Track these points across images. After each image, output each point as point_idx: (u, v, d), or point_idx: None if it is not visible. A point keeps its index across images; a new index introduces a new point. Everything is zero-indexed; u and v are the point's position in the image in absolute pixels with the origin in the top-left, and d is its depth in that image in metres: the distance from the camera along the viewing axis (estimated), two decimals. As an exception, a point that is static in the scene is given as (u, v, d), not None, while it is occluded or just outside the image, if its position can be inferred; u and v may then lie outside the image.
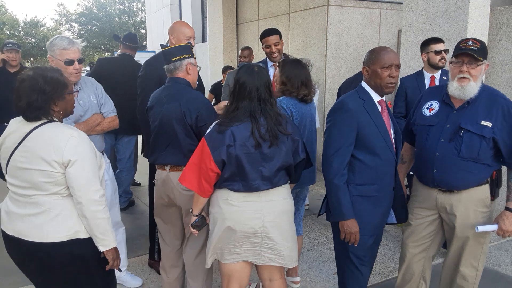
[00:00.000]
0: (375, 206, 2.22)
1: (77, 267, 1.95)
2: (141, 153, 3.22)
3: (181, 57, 2.48)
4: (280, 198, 2.17)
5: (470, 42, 2.14)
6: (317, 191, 5.37)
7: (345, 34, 6.26)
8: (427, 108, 2.34)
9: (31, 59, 29.14)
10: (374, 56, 2.15)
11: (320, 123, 4.97)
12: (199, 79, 3.40)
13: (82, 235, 1.92)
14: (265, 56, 3.67)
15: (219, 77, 6.83)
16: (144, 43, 23.61)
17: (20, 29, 30.42)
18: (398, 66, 2.13)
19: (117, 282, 2.30)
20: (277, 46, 3.50)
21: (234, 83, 2.14)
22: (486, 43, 3.96)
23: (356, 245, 2.19)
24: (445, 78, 3.41)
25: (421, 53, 3.54)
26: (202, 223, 2.27)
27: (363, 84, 2.24)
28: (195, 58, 2.62)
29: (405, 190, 2.63)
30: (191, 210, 2.27)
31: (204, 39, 11.94)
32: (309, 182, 2.88)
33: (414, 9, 4.22)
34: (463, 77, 2.16)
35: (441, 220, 2.41)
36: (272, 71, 3.49)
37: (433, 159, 2.26)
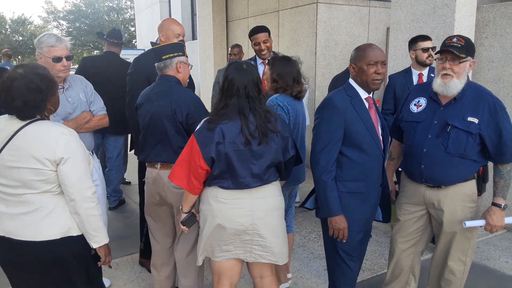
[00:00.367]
0: (363, 202, 2.24)
1: (70, 264, 1.95)
2: (131, 151, 3.21)
3: (171, 55, 2.48)
4: (270, 195, 2.18)
5: (455, 39, 2.17)
6: (307, 188, 5.40)
7: (335, 32, 6.29)
8: (415, 104, 2.37)
9: (19, 57, 28.75)
10: (360, 53, 2.17)
11: (310, 120, 4.99)
12: (189, 77, 3.39)
13: (75, 232, 1.93)
14: (255, 54, 3.67)
15: (210, 75, 6.83)
16: (134, 41, 23.45)
17: (7, 26, 29.97)
18: (383, 63, 2.15)
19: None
20: (266, 44, 3.50)
21: (223, 80, 2.15)
22: (473, 41, 4.01)
23: (344, 241, 2.22)
24: (432, 75, 3.44)
25: (409, 51, 3.57)
26: (192, 220, 2.27)
27: (351, 81, 2.25)
28: (187, 56, 2.61)
29: (394, 187, 2.66)
30: (181, 207, 2.27)
31: (194, 37, 11.90)
32: (302, 179, 2.90)
33: (402, 6, 4.25)
34: (446, 74, 2.19)
35: (429, 216, 2.44)
36: (262, 69, 3.49)
37: (420, 155, 2.29)
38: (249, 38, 3.58)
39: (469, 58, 2.17)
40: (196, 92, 3.91)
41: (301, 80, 2.70)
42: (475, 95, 2.22)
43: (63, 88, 2.72)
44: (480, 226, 2.31)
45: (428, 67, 3.52)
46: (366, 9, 6.53)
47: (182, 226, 2.27)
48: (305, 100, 4.90)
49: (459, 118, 2.20)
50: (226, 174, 2.09)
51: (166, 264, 2.70)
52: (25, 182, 1.85)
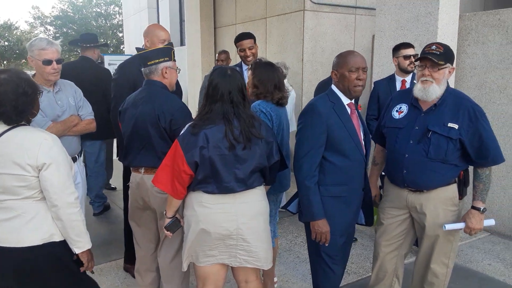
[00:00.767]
0: (345, 206, 2.26)
1: (53, 270, 1.94)
2: (117, 157, 3.20)
3: (157, 60, 2.48)
4: (254, 199, 2.19)
5: (434, 47, 2.22)
6: (293, 193, 5.41)
7: (321, 39, 6.36)
8: (397, 111, 2.41)
9: (4, 62, 28.40)
10: (342, 60, 2.20)
11: (296, 126, 5.02)
12: (177, 82, 3.39)
13: (57, 238, 1.93)
14: (240, 60, 3.69)
15: (197, 81, 6.84)
16: (122, 46, 23.35)
17: (-7, 31, 29.64)
18: (365, 69, 2.19)
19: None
20: (251, 50, 3.52)
21: (207, 85, 2.16)
22: (456, 48, 4.10)
23: (326, 244, 2.23)
24: (415, 82, 3.51)
25: (393, 58, 3.64)
26: (176, 225, 2.27)
27: (333, 87, 2.29)
28: (175, 61, 2.61)
29: (378, 191, 2.69)
30: (164, 212, 2.27)
31: (182, 43, 11.90)
32: (287, 187, 2.90)
33: (386, 14, 4.32)
34: (426, 80, 2.23)
35: (412, 219, 2.47)
36: (247, 75, 3.51)
37: (402, 160, 2.32)
38: (235, 44, 3.60)
39: (448, 64, 2.22)
40: (183, 98, 3.91)
41: (282, 87, 2.69)
42: (455, 101, 2.27)
43: (53, 91, 2.79)
44: (460, 229, 2.34)
45: (411, 74, 3.59)
46: (352, 16, 6.62)
47: (166, 231, 2.26)
48: (291, 106, 4.95)
49: (440, 124, 2.24)
50: (210, 178, 2.09)
51: (150, 270, 2.69)
52: (6, 188, 1.84)
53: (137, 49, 2.61)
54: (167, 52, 2.53)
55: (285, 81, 4.96)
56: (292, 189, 2.51)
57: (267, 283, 2.96)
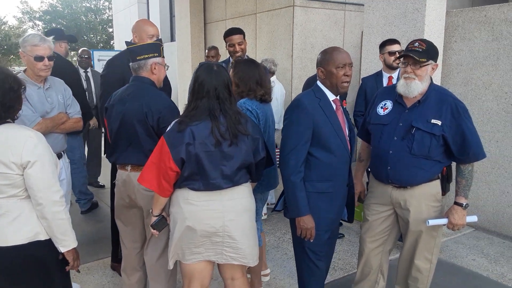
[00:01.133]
0: (330, 202, 2.28)
1: (38, 269, 1.93)
2: (104, 154, 3.19)
3: (146, 56, 2.46)
4: (241, 196, 2.19)
5: (417, 44, 2.23)
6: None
7: (311, 35, 6.35)
8: (381, 107, 2.42)
9: (-8, 58, 28.02)
10: (328, 57, 2.21)
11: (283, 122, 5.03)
12: (166, 78, 3.36)
13: (42, 236, 1.91)
14: (228, 56, 3.68)
15: (187, 76, 6.80)
16: (112, 42, 23.15)
17: (-20, 27, 29.19)
18: (351, 65, 2.21)
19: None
20: (240, 46, 3.51)
21: (193, 81, 2.14)
22: (442, 45, 4.13)
23: (312, 240, 2.25)
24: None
25: (379, 54, 3.65)
26: (163, 223, 2.26)
27: (319, 83, 2.29)
28: (164, 57, 2.60)
29: (363, 188, 2.71)
30: (151, 210, 2.26)
31: (172, 38, 11.82)
32: (275, 185, 2.91)
33: (374, 10, 4.33)
34: (408, 77, 2.25)
35: (396, 215, 2.49)
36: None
37: (386, 156, 2.34)
38: (224, 39, 3.58)
39: (430, 61, 2.24)
40: (173, 94, 3.89)
41: (264, 83, 2.68)
42: (438, 98, 2.29)
43: (44, 87, 2.81)
44: (444, 225, 2.37)
45: (398, 70, 3.60)
46: (341, 12, 6.62)
47: (152, 230, 2.25)
48: (281, 103, 4.95)
49: (423, 121, 2.26)
50: (196, 175, 2.08)
51: (136, 269, 2.68)
52: None
53: (127, 43, 2.58)
54: (156, 48, 2.51)
55: (274, 77, 4.98)
56: (281, 187, 2.53)
57: (254, 280, 2.98)
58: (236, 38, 3.50)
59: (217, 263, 2.26)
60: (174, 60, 9.13)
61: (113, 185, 2.94)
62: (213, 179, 2.08)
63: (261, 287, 3.03)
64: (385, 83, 3.60)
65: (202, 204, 2.11)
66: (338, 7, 6.56)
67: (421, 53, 2.20)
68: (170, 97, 3.52)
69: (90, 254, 3.59)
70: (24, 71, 2.80)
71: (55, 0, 29.76)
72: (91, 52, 11.62)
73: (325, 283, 2.62)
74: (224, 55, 7.11)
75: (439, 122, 2.24)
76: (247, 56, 3.52)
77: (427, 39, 3.74)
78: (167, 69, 2.63)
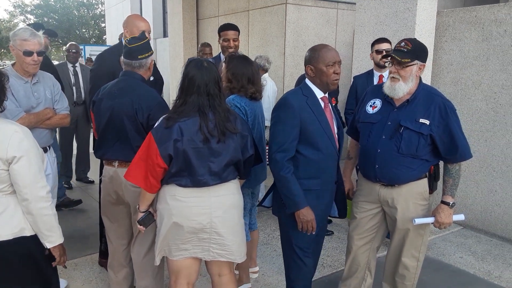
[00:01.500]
0: (317, 200, 2.28)
1: (23, 265, 1.91)
2: (93, 150, 3.16)
3: (146, 54, 2.46)
4: (228, 193, 2.18)
5: (403, 44, 2.24)
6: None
7: (303, 33, 6.36)
8: (370, 105, 2.43)
9: (-17, 51, 27.68)
10: (317, 55, 2.21)
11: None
12: (158, 72, 3.35)
13: (28, 232, 1.89)
14: (219, 52, 3.66)
15: (179, 73, 6.76)
16: (104, 37, 22.97)
17: (-31, 20, 28.80)
18: (340, 63, 2.21)
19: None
20: (235, 42, 3.49)
21: (183, 77, 2.12)
22: (433, 44, 4.15)
23: (314, 232, 2.21)
24: None
25: (370, 53, 3.67)
26: (150, 219, 2.25)
27: (307, 81, 2.29)
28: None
29: (352, 185, 2.72)
30: (137, 206, 2.24)
31: (165, 35, 11.76)
32: (263, 178, 2.92)
33: (366, 9, 4.34)
34: (393, 77, 2.26)
35: (384, 213, 2.50)
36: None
37: (375, 155, 2.34)
38: (219, 33, 3.56)
39: (416, 61, 2.23)
40: (164, 90, 3.86)
41: (256, 81, 2.68)
42: (427, 97, 2.30)
43: (31, 82, 2.78)
44: (430, 223, 2.39)
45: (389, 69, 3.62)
46: (334, 11, 6.63)
47: (139, 226, 2.24)
48: (272, 100, 4.94)
49: (411, 120, 2.26)
50: (184, 172, 2.07)
51: (123, 265, 2.66)
52: None
53: (128, 41, 2.52)
54: (150, 45, 2.53)
55: (266, 74, 4.97)
56: (268, 182, 2.54)
57: (242, 276, 2.98)
58: (232, 34, 3.49)
59: (205, 260, 2.25)
60: (166, 56, 9.09)
61: (101, 181, 2.92)
62: (200, 175, 2.07)
63: (249, 283, 3.03)
64: (375, 82, 3.61)
65: (189, 201, 2.10)
66: (330, 5, 6.58)
67: (406, 53, 2.21)
68: (162, 90, 3.52)
69: (78, 249, 3.57)
70: (13, 64, 2.77)
71: (47, -6, 29.45)
72: (82, 47, 11.51)
73: (313, 279, 2.63)
74: (215, 51, 7.10)
75: (427, 122, 2.25)
76: (240, 52, 3.51)
77: (418, 38, 3.77)
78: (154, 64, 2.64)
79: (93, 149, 3.14)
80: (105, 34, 20.15)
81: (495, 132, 4.03)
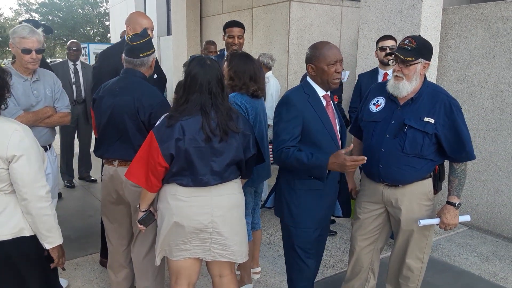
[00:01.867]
0: (320, 200, 2.24)
1: (22, 266, 1.88)
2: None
3: (149, 52, 2.43)
4: (230, 192, 2.15)
5: (407, 41, 2.19)
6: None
7: (307, 30, 6.31)
8: (374, 104, 2.38)
9: (-12, 49, 27.81)
10: (319, 53, 2.16)
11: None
12: (161, 70, 3.32)
13: (27, 232, 1.87)
14: (222, 49, 3.64)
15: (182, 71, 6.74)
16: (109, 35, 23.00)
17: (-25, 18, 28.95)
18: (341, 61, 2.17)
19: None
20: (240, 39, 3.48)
21: (185, 75, 2.10)
22: (438, 42, 4.09)
23: (365, 162, 2.01)
24: None
25: (375, 50, 3.62)
26: (150, 219, 2.22)
27: (308, 79, 2.25)
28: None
29: (355, 185, 2.68)
30: (138, 206, 2.22)
31: (169, 32, 11.75)
32: (267, 176, 2.89)
33: (371, 6, 4.29)
34: (397, 76, 2.21)
35: (387, 214, 2.46)
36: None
37: (378, 155, 2.30)
38: (224, 30, 3.54)
39: (420, 60, 2.18)
40: (168, 88, 3.84)
41: (259, 78, 2.65)
42: (431, 96, 2.25)
43: (30, 80, 2.75)
44: (437, 224, 2.34)
45: (393, 67, 3.57)
46: (338, 8, 6.57)
47: (139, 225, 2.22)
48: (276, 98, 4.91)
49: (416, 119, 2.22)
50: (185, 171, 2.04)
51: (123, 266, 2.64)
52: None
53: (130, 38, 2.50)
54: (152, 43, 2.50)
55: (270, 72, 4.93)
56: (272, 181, 2.50)
57: (243, 276, 2.96)
58: (237, 31, 3.48)
59: (205, 260, 2.23)
60: (170, 53, 9.07)
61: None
62: (202, 175, 2.05)
63: (251, 283, 3.00)
64: (380, 80, 3.56)
65: (191, 200, 2.07)
66: (335, 2, 6.52)
67: (409, 51, 2.16)
68: (165, 87, 3.50)
69: (79, 249, 3.56)
70: (13, 63, 2.75)
71: (52, -8, 29.55)
72: (86, 45, 11.51)
73: (315, 280, 2.60)
74: (219, 48, 7.05)
75: (432, 120, 2.20)
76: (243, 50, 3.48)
77: (423, 36, 3.71)
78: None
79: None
80: (109, 32, 20.17)
81: (501, 131, 3.97)
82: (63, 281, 2.97)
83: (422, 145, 2.22)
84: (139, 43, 2.40)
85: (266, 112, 2.83)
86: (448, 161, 2.34)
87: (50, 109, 2.81)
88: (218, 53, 5.38)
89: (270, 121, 4.05)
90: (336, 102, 2.48)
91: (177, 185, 2.08)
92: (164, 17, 12.15)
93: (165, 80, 3.40)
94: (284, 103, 2.19)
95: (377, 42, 3.59)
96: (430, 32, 3.97)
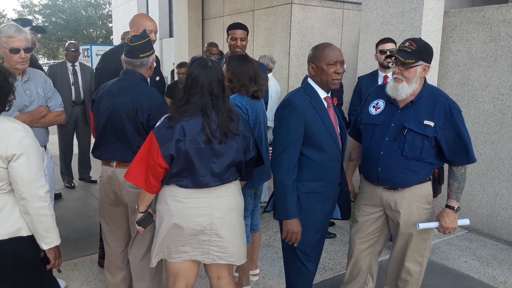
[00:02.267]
0: (322, 202, 2.23)
1: (19, 266, 1.88)
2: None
3: (149, 53, 2.42)
4: (229, 194, 2.15)
5: (407, 44, 2.18)
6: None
7: (308, 33, 6.30)
8: (373, 106, 2.38)
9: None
10: (319, 53, 2.16)
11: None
12: (160, 74, 3.33)
13: (25, 232, 1.86)
14: (223, 54, 3.64)
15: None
16: (111, 37, 23.05)
17: (-22, 19, 29.07)
18: (342, 62, 2.16)
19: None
20: (242, 42, 3.47)
21: (186, 77, 2.09)
22: (439, 45, 4.08)
23: (296, 245, 2.20)
24: None
25: (374, 53, 3.62)
26: (149, 220, 2.22)
27: (310, 81, 2.25)
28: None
29: (353, 188, 2.66)
30: (137, 207, 2.21)
31: (171, 34, 11.77)
32: (267, 178, 2.88)
33: (372, 9, 4.29)
34: (397, 78, 2.20)
35: (386, 217, 2.45)
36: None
37: (377, 157, 2.29)
38: (227, 31, 3.54)
39: (420, 62, 2.17)
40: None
41: (259, 79, 2.65)
42: (431, 99, 2.24)
43: (22, 80, 2.70)
44: (436, 228, 2.33)
45: (393, 70, 3.56)
46: (340, 11, 6.57)
47: (137, 227, 2.21)
48: (275, 100, 4.91)
49: (416, 121, 2.21)
50: (185, 172, 2.04)
51: (121, 268, 2.63)
52: None
53: (130, 39, 2.50)
54: (151, 44, 2.49)
55: (270, 74, 4.93)
56: (271, 183, 2.50)
57: (242, 278, 2.95)
58: (240, 33, 3.47)
59: (204, 263, 2.22)
60: (172, 55, 9.08)
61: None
62: (202, 176, 2.04)
63: (249, 285, 2.99)
64: (380, 82, 3.55)
65: (190, 202, 2.07)
66: (336, 5, 6.52)
67: (410, 53, 2.15)
68: (163, 94, 3.50)
69: (78, 250, 3.56)
70: (1, 63, 2.72)
71: (55, -6, 29.65)
72: (89, 46, 11.54)
73: (314, 283, 2.59)
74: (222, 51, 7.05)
75: (431, 123, 2.19)
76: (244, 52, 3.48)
77: (424, 39, 3.71)
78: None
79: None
80: (112, 34, 20.22)
81: (502, 135, 3.95)
82: (61, 282, 2.97)
83: (422, 148, 2.21)
84: (138, 43, 2.39)
85: (266, 113, 2.83)
86: (448, 164, 2.33)
87: (44, 109, 2.77)
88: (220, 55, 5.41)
89: (269, 123, 4.04)
90: (335, 104, 2.48)
91: (177, 186, 2.07)
92: (166, 19, 12.17)
93: (164, 84, 3.41)
94: (287, 105, 2.18)
95: (377, 45, 3.59)
96: (431, 35, 3.96)
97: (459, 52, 4.21)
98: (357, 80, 4.03)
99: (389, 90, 2.26)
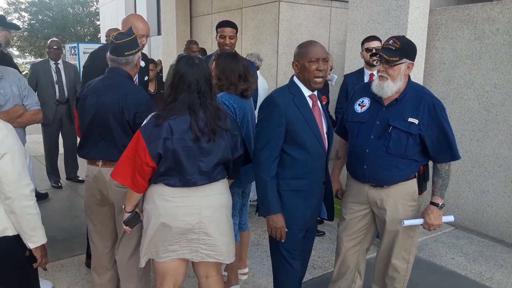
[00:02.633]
0: (305, 201, 2.23)
1: (5, 266, 1.87)
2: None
3: (134, 51, 2.40)
4: (217, 192, 2.14)
5: (391, 41, 2.19)
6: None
7: (296, 31, 6.32)
8: (359, 104, 2.39)
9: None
10: (302, 51, 2.16)
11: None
12: (148, 73, 3.30)
13: (10, 232, 1.85)
14: (212, 52, 3.62)
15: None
16: (99, 35, 22.82)
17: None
18: (325, 60, 2.14)
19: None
20: (231, 39, 3.45)
21: (173, 74, 2.08)
22: (425, 43, 4.12)
23: (283, 240, 2.21)
24: None
25: (360, 51, 3.63)
26: (136, 220, 2.20)
27: (295, 79, 2.24)
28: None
29: (340, 186, 2.68)
30: (123, 207, 2.19)
31: (159, 32, 11.70)
32: (252, 179, 2.88)
33: (359, 7, 4.31)
34: (382, 76, 2.21)
35: (373, 214, 2.47)
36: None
37: (363, 155, 2.30)
38: (216, 29, 3.52)
39: (404, 60, 2.19)
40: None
41: (249, 77, 2.63)
42: (416, 96, 2.25)
43: None
44: (421, 225, 2.35)
45: (380, 68, 3.59)
46: (327, 9, 6.60)
47: (124, 227, 2.19)
48: (262, 98, 4.90)
49: (400, 119, 2.22)
50: (173, 171, 2.03)
51: (107, 268, 2.61)
52: None
53: (115, 36, 2.46)
54: (137, 41, 2.47)
55: (258, 72, 4.92)
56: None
57: (230, 277, 2.94)
58: (229, 31, 3.45)
59: (192, 261, 2.21)
60: (160, 53, 9.03)
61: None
62: (190, 175, 2.03)
63: (237, 284, 2.99)
64: (366, 80, 3.57)
65: (178, 201, 2.06)
66: (324, 3, 6.54)
67: (394, 51, 2.16)
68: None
69: (65, 250, 3.52)
70: None
71: (42, -9, 29.25)
72: (76, 44, 11.40)
73: (303, 281, 2.59)
74: (210, 49, 7.03)
75: (416, 121, 2.21)
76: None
77: (410, 37, 3.74)
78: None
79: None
80: (99, 32, 20.02)
81: (487, 132, 4.01)
82: (47, 283, 2.94)
83: (406, 145, 2.22)
84: (124, 41, 2.36)
85: (254, 112, 2.82)
86: (433, 162, 2.35)
87: (21, 108, 2.71)
88: (208, 53, 5.37)
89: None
90: (324, 103, 2.47)
91: (164, 185, 2.06)
92: (154, 17, 12.09)
93: (162, 85, 3.37)
94: (269, 102, 2.17)
95: (363, 43, 3.61)
96: (417, 33, 4.00)
97: (444, 50, 4.25)
98: (343, 78, 4.05)
99: (374, 88, 2.27)
